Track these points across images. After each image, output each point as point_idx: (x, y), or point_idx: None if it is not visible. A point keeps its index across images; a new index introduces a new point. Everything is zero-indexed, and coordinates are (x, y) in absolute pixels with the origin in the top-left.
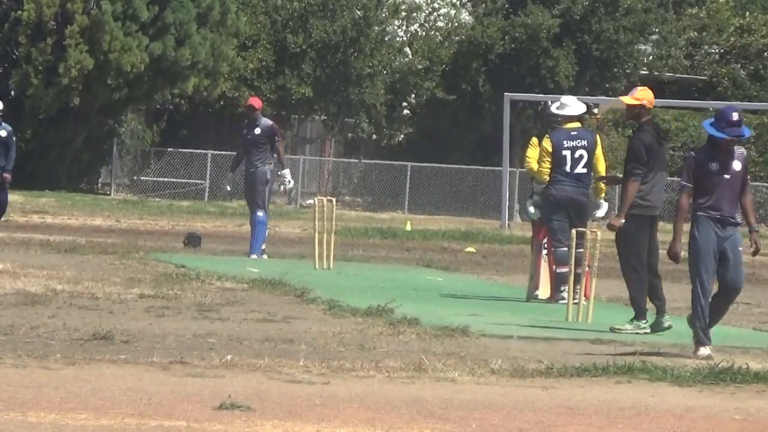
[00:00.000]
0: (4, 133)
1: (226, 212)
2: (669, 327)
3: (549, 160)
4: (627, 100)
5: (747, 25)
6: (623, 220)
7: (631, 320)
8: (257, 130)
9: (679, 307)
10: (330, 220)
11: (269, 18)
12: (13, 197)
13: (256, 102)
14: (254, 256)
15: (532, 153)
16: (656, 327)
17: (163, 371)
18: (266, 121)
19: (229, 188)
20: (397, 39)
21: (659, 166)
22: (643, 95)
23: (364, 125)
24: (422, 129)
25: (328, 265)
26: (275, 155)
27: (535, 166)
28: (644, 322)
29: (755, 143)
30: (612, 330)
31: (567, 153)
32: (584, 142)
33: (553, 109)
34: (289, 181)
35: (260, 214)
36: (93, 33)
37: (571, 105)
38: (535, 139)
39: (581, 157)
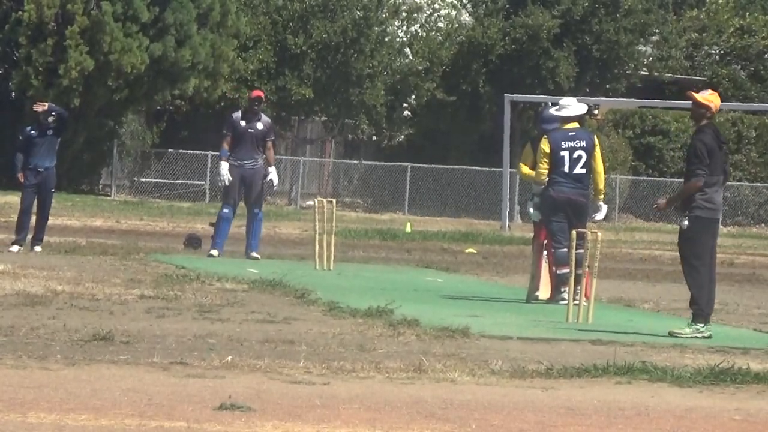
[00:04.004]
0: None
1: None
2: (708, 337)
3: (547, 161)
4: (699, 97)
5: (747, 26)
6: (682, 218)
7: (690, 324)
8: (260, 125)
9: (678, 308)
10: (330, 222)
11: (270, 19)
12: (14, 198)
13: (262, 94)
14: (255, 254)
15: (524, 166)
16: None
17: (164, 372)
18: (266, 117)
19: (231, 178)
20: (398, 40)
21: (720, 169)
22: (712, 99)
23: (364, 126)
24: (422, 130)
25: (329, 266)
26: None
27: (526, 171)
28: (702, 325)
29: (755, 144)
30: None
31: (565, 154)
32: (582, 143)
33: (552, 110)
34: (275, 180)
35: (259, 211)
36: (93, 34)
37: (568, 107)
38: (528, 147)
39: (579, 157)
